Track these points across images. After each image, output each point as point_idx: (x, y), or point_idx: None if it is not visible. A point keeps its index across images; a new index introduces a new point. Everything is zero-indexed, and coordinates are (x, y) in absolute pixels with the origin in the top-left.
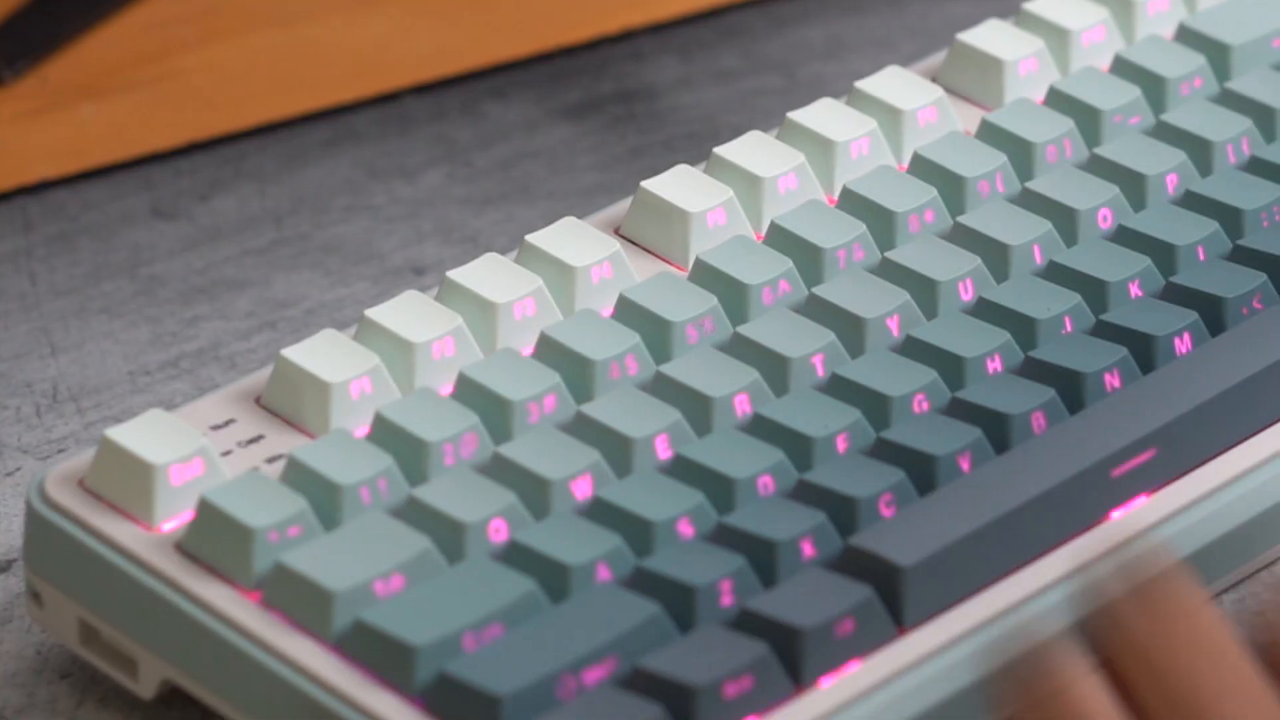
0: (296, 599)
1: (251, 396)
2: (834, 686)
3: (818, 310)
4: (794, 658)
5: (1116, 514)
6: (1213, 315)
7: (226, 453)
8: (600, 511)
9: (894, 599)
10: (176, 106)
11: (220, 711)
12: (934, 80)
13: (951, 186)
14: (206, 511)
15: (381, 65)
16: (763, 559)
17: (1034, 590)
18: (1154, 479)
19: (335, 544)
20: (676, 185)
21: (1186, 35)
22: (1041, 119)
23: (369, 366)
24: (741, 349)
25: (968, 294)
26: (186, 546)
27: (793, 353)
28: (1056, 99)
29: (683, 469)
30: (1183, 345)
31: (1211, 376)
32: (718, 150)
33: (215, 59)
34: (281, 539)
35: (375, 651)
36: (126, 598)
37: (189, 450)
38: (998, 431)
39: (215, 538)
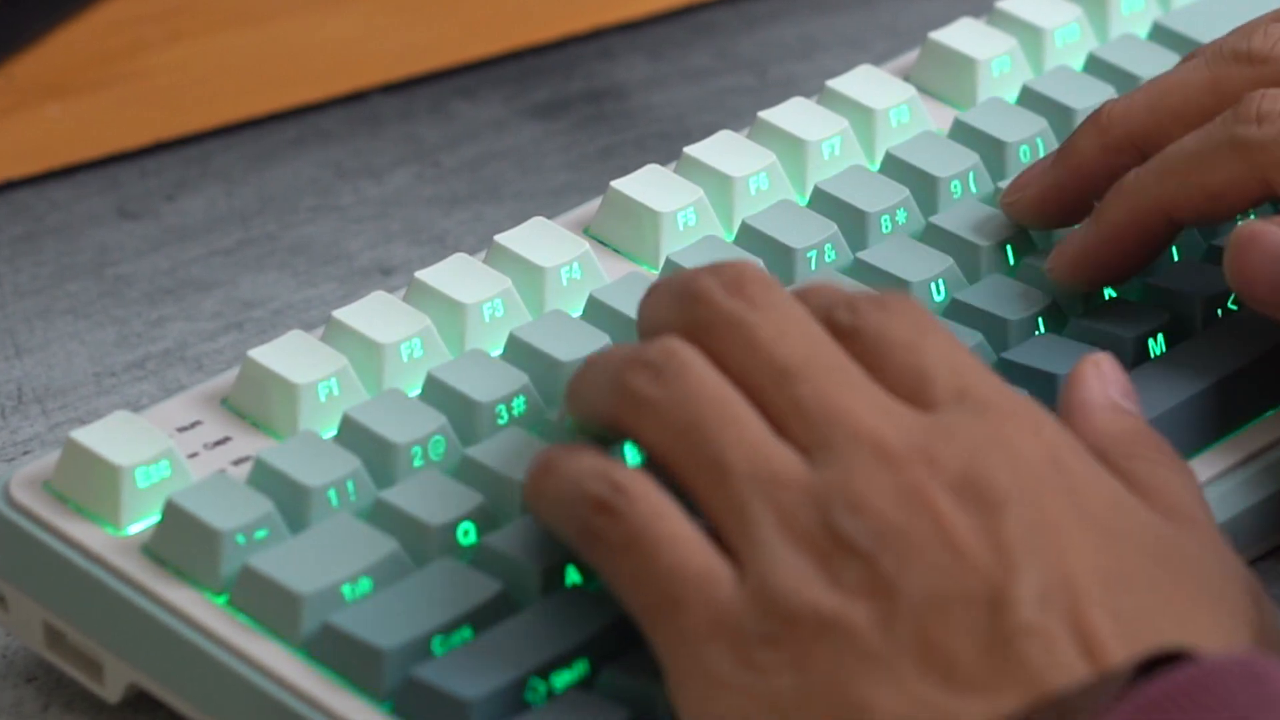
0: (264, 602)
1: (218, 398)
2: None
3: None
4: None
5: None
6: (1186, 316)
7: (193, 455)
8: None
9: None
10: (143, 106)
11: (187, 715)
12: (906, 79)
13: (924, 186)
14: (173, 514)
15: (349, 64)
16: None
17: None
18: None
19: (303, 547)
20: (647, 185)
21: (1161, 34)
22: (1014, 118)
23: (336, 368)
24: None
25: (940, 295)
26: (152, 549)
27: None
28: (1029, 98)
29: (654, 471)
30: (1157, 347)
31: (1183, 379)
32: (688, 150)
33: (182, 58)
34: (249, 542)
35: (343, 655)
36: (92, 601)
37: (155, 452)
38: None
39: (182, 540)
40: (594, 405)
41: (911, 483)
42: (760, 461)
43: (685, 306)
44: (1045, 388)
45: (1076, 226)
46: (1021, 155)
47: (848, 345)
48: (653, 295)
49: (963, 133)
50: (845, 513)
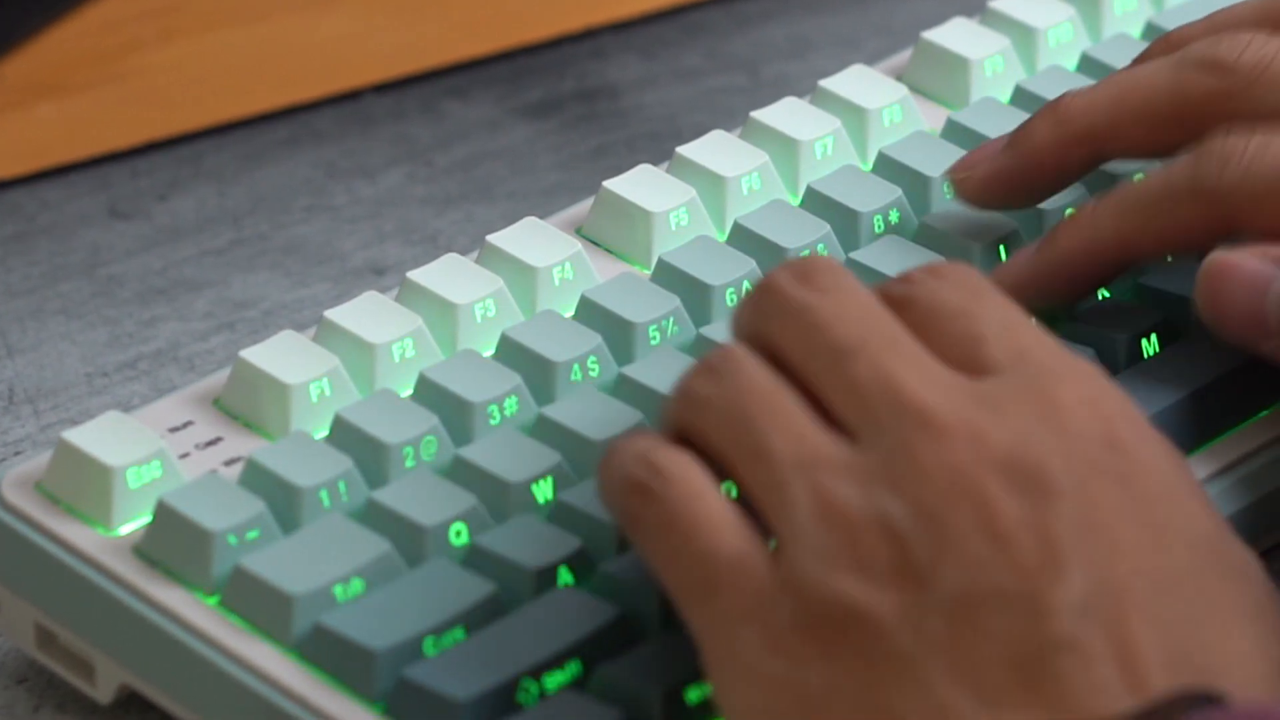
0: (255, 603)
1: (210, 398)
2: None
3: None
4: None
5: None
6: (1179, 318)
7: (185, 455)
8: (561, 515)
9: None
10: (135, 105)
11: (178, 716)
12: (899, 79)
13: (916, 186)
14: (164, 514)
15: (341, 64)
16: None
17: None
18: None
19: (295, 547)
20: (639, 185)
21: (1154, 33)
22: (1007, 118)
23: (328, 368)
24: (705, 350)
25: None
26: (144, 550)
27: None
28: (1022, 98)
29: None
30: (1150, 347)
31: (1176, 380)
32: (680, 150)
33: (174, 58)
34: (240, 542)
35: (335, 656)
36: (84, 602)
37: (147, 453)
38: None
39: (173, 541)
40: (666, 415)
41: (957, 462)
42: (804, 446)
43: (758, 299)
44: None
45: (1023, 248)
46: None
47: (902, 316)
48: (742, 300)
49: (955, 132)
50: (884, 490)
